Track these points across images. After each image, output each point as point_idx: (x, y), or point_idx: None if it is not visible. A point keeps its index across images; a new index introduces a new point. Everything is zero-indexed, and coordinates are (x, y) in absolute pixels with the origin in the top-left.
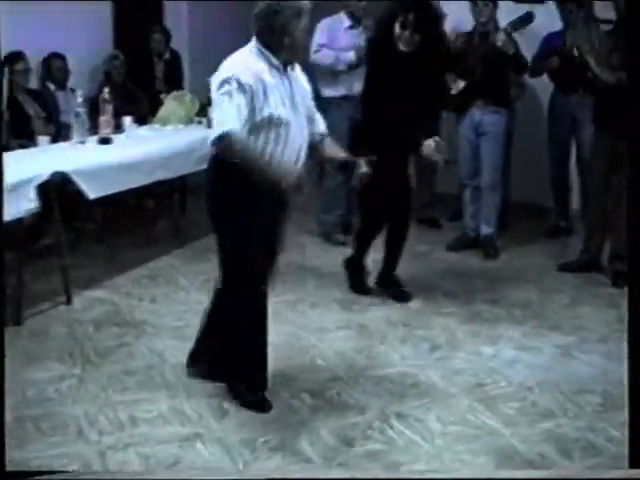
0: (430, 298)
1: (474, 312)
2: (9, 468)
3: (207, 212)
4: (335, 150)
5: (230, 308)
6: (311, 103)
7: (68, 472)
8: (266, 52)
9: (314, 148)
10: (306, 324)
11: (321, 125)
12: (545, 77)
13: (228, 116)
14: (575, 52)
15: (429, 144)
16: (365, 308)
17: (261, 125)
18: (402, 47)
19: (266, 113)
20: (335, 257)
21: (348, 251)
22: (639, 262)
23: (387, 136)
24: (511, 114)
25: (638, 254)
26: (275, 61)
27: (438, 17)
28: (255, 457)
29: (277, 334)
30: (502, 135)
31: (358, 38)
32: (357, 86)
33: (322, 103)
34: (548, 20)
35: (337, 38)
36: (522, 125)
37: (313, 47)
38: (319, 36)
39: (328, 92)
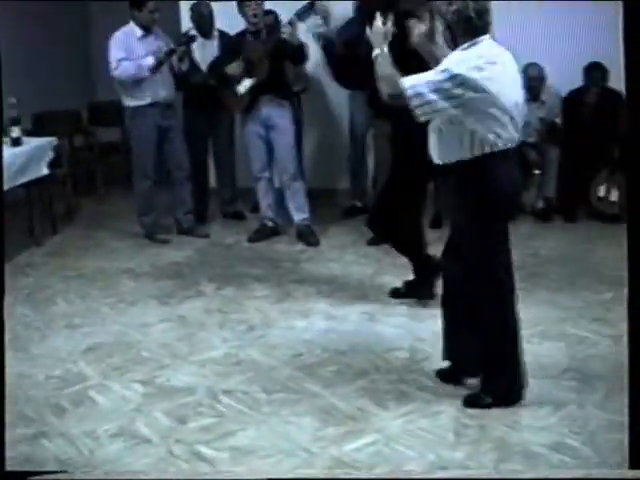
0: (242, 284)
1: (284, 292)
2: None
3: None
4: None
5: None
6: None
7: (68, 472)
8: None
9: None
10: (129, 321)
11: None
12: None
13: None
14: None
15: None
16: (182, 301)
17: None
18: None
19: None
20: (147, 258)
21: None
22: (638, 251)
23: None
24: (299, 105)
25: (637, 242)
26: None
27: None
28: (99, 444)
29: (105, 334)
30: (291, 126)
31: (152, 44)
32: (162, 92)
33: (127, 114)
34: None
35: (133, 49)
36: (311, 114)
37: (112, 63)
38: (115, 51)
39: (133, 102)
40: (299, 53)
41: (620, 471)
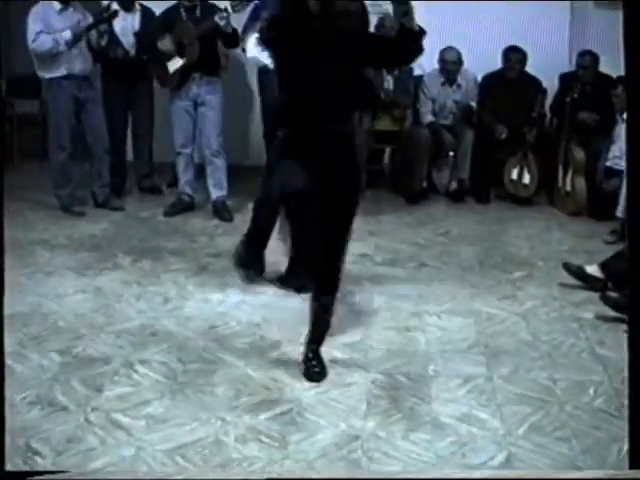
0: (159, 257)
1: (200, 266)
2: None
3: None
4: None
5: None
6: None
7: (68, 472)
8: None
9: None
10: (45, 292)
11: None
12: None
13: None
14: None
15: None
16: (98, 272)
17: None
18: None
19: None
20: (63, 230)
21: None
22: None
23: None
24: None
25: (638, 253)
26: None
27: None
28: (16, 412)
29: (22, 304)
30: (220, 103)
31: (71, 18)
32: (78, 65)
33: (44, 85)
34: None
35: (51, 22)
36: (230, 91)
37: (30, 37)
38: (33, 25)
39: (48, 74)
40: (232, 39)
41: (620, 471)
